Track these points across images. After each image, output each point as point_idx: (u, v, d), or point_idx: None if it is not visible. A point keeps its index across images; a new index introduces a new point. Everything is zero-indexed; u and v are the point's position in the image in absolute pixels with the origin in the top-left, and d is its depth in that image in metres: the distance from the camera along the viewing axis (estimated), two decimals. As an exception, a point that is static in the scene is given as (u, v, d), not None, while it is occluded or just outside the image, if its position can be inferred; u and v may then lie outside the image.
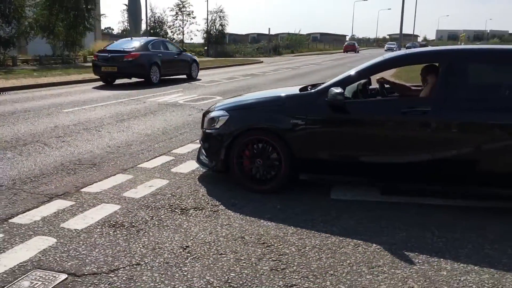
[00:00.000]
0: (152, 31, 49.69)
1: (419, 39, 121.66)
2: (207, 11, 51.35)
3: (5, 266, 2.89)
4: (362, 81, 4.83)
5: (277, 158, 4.33)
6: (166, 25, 54.38)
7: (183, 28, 52.66)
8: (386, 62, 4.49)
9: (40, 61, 22.70)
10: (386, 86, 5.11)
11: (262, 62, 32.45)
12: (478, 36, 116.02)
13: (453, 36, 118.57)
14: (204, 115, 4.99)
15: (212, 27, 52.50)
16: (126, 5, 39.86)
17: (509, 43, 55.08)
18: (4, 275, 2.78)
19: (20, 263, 2.93)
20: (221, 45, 51.32)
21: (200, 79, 17.19)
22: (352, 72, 4.43)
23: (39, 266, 2.90)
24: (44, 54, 24.50)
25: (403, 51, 4.93)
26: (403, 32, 36.17)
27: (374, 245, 3.27)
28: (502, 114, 3.80)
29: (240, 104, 4.87)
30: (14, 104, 9.89)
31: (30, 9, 22.91)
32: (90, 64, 24.00)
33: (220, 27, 53.00)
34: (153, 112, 9.09)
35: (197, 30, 71.50)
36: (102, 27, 49.23)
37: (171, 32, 54.11)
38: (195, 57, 18.41)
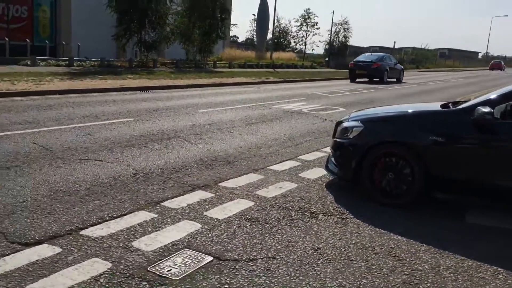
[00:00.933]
0: (276, 40, 51.31)
1: None
2: (332, 22, 51.39)
3: (161, 242, 3.30)
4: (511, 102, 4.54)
5: (410, 173, 4.26)
6: (290, 35, 55.78)
7: (305, 38, 53.52)
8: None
9: (176, 65, 24.83)
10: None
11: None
12: None
13: None
14: (337, 124, 5.10)
15: (335, 39, 52.49)
16: (254, 15, 41.83)
17: None
18: (160, 250, 3.18)
19: (173, 241, 3.32)
20: (342, 56, 51.04)
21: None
22: (503, 91, 4.20)
23: (189, 246, 3.26)
24: (179, 58, 26.76)
25: None
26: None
27: (517, 275, 3.07)
28: None
29: (376, 116, 4.89)
30: (157, 102, 11.01)
31: (172, 17, 25.22)
32: (219, 69, 25.62)
33: (344, 39, 52.79)
34: (278, 118, 9.44)
35: (319, 41, 71.87)
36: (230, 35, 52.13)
37: (294, 42, 55.38)
38: (402, 67, 26.72)
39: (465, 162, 4.06)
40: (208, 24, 26.10)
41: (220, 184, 4.77)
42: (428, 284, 2.91)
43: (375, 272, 3.05)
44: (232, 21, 38.33)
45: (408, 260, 3.25)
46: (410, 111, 4.70)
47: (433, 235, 3.71)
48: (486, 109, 3.86)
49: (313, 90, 17.00)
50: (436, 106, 4.72)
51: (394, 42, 57.42)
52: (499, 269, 3.16)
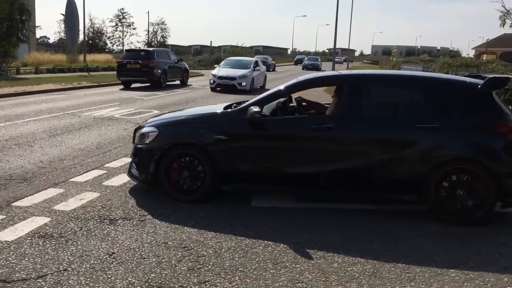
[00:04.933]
0: (90, 41, 48.73)
1: (356, 54, 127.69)
2: (148, 22, 51.04)
3: None
4: (282, 99, 5.36)
5: (202, 170, 4.72)
6: (106, 36, 53.65)
7: (123, 39, 52.13)
8: (298, 84, 5.06)
9: (-33, 72, 21.71)
10: (303, 104, 5.67)
11: (203, 75, 32.67)
12: (410, 51, 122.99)
13: (387, 51, 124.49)
14: (136, 130, 5.29)
15: (153, 39, 52.32)
16: (63, 14, 38.87)
17: (438, 58, 59.27)
18: None
19: (-50, 274, 3.11)
20: (162, 57, 51.09)
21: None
22: (269, 92, 4.94)
23: (-31, 276, 3.09)
24: (-28, 65, 23.44)
25: (314, 75, 5.53)
26: (341, 47, 38.11)
27: (282, 244, 3.74)
28: (391, 130, 4.45)
29: (169, 120, 5.23)
30: None
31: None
32: (24, 76, 23.27)
33: (162, 38, 53.00)
34: (87, 127, 9.18)
35: (138, 42, 70.41)
36: (38, 35, 47.64)
37: (111, 43, 53.47)
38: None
39: (245, 156, 4.68)
40: (6, 26, 23.40)
41: (13, 204, 4.53)
42: (209, 267, 3.35)
43: (164, 265, 3.36)
44: (37, 22, 34.80)
45: (195, 248, 3.65)
46: (197, 114, 5.18)
47: (222, 222, 4.21)
48: (256, 109, 4.51)
49: (129, 93, 16.80)
50: (220, 107, 5.28)
51: (211, 41, 59.85)
52: (269, 242, 3.79)
